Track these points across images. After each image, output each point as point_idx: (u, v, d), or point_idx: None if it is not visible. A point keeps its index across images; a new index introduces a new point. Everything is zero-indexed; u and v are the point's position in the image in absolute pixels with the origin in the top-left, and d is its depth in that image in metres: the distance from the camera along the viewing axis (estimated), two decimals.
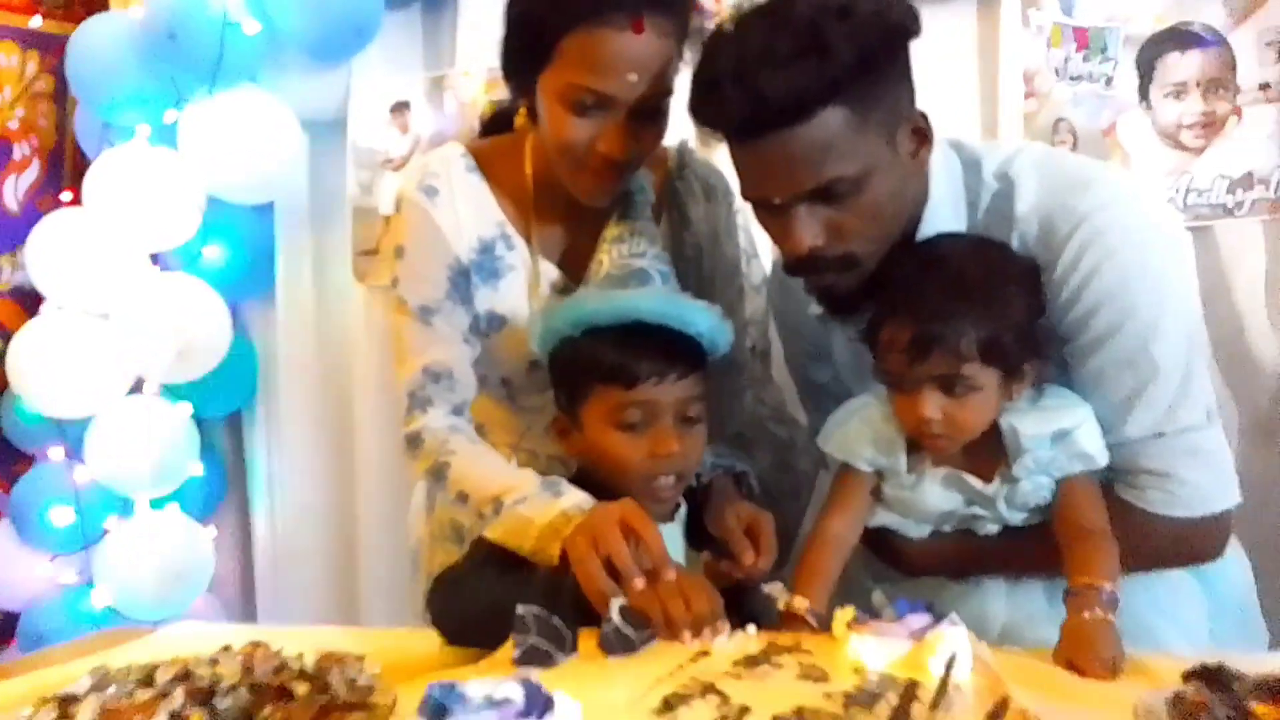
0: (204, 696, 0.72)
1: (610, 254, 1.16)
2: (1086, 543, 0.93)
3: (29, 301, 2.17)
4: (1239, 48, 1.67)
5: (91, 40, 1.89)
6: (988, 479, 1.00)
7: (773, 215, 1.03)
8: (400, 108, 1.97)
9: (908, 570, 1.06)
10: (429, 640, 1.01)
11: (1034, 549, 0.99)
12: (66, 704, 0.71)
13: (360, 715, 0.73)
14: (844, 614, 0.80)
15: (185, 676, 0.75)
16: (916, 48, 1.09)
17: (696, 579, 0.92)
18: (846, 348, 1.19)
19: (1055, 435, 0.98)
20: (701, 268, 1.24)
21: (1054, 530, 0.98)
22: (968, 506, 1.02)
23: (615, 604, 0.82)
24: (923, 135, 1.04)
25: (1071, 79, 1.70)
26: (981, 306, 0.96)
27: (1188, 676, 0.74)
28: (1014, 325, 0.97)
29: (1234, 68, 1.68)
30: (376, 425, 1.98)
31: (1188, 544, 1.04)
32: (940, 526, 1.05)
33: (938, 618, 0.73)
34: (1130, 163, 1.71)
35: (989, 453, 1.00)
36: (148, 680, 0.75)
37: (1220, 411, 1.67)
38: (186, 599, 2.08)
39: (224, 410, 2.20)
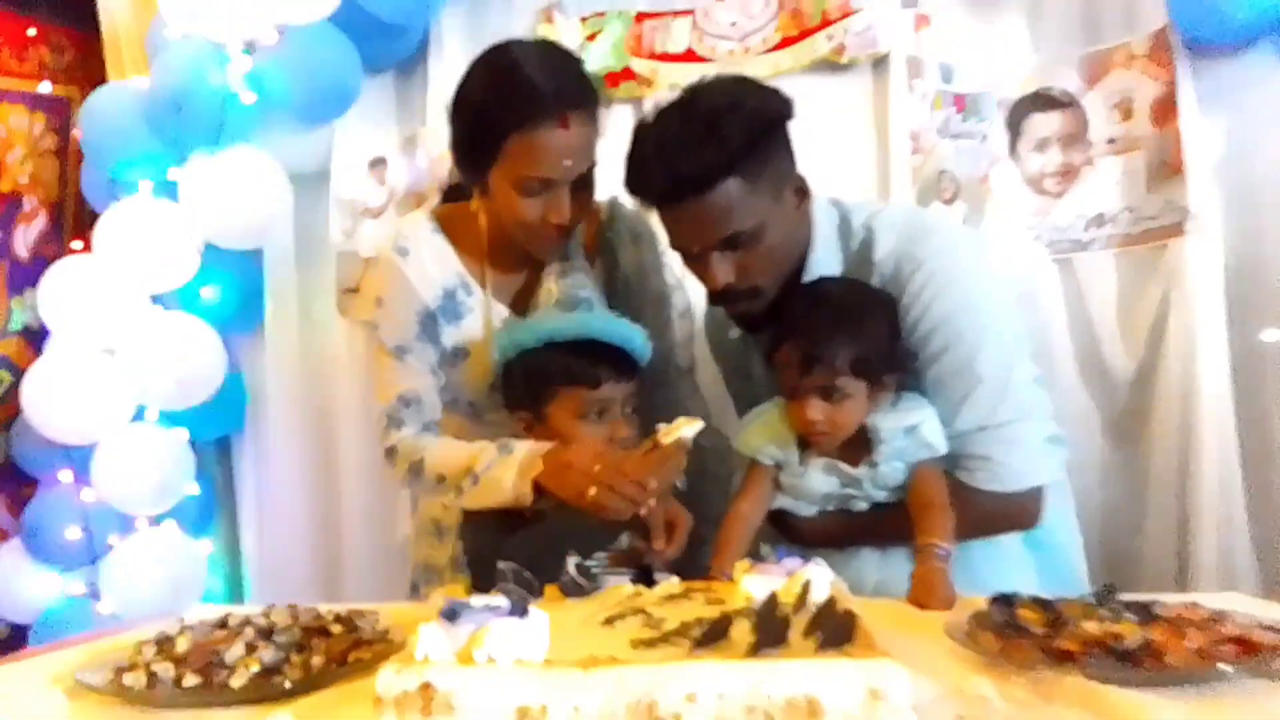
0: (266, 633, 0.97)
1: (557, 286, 1.46)
2: (929, 512, 1.22)
3: (37, 339, 2.39)
4: (1091, 109, 1.99)
5: (103, 107, 2.13)
6: (856, 465, 1.29)
7: (694, 261, 1.34)
8: (378, 162, 2.23)
9: (802, 542, 1.33)
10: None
11: (895, 521, 1.27)
12: (164, 642, 0.96)
13: (382, 646, 0.98)
14: (742, 565, 1.06)
15: (247, 623, 1.00)
16: (819, 115, 1.41)
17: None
18: (762, 366, 1.47)
19: (906, 429, 1.26)
20: (630, 300, 1.51)
21: (907, 504, 1.26)
22: (843, 488, 1.30)
23: (571, 561, 1.08)
24: (803, 192, 1.35)
25: (952, 136, 2.01)
26: (852, 334, 1.25)
27: (989, 602, 1.02)
28: (877, 347, 1.26)
29: (1087, 126, 1.99)
30: (358, 444, 2.21)
31: (1008, 513, 1.32)
32: (824, 506, 1.33)
33: (804, 561, 1.00)
34: (1002, 206, 2.02)
35: (858, 445, 1.28)
36: (222, 624, 0.99)
37: (1081, 414, 2.00)
38: (183, 608, 2.29)
39: (215, 434, 2.42)
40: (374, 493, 2.18)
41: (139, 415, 2.26)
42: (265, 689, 0.87)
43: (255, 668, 0.89)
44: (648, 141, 1.29)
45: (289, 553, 2.31)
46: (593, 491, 1.21)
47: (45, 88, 2.36)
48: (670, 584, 1.09)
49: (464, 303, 1.51)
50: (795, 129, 1.34)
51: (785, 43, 2.02)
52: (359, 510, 2.19)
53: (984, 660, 0.88)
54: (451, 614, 0.78)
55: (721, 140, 1.24)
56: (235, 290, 2.28)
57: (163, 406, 2.25)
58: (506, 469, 1.29)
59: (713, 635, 0.80)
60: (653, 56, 2.09)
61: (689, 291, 1.59)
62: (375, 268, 1.54)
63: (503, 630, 0.77)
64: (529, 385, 1.34)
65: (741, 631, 0.81)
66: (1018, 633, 0.91)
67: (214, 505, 2.44)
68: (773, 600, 0.87)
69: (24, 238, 2.38)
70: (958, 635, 0.94)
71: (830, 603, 0.83)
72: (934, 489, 1.25)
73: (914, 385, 1.31)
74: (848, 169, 1.98)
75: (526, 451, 1.30)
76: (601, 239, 1.55)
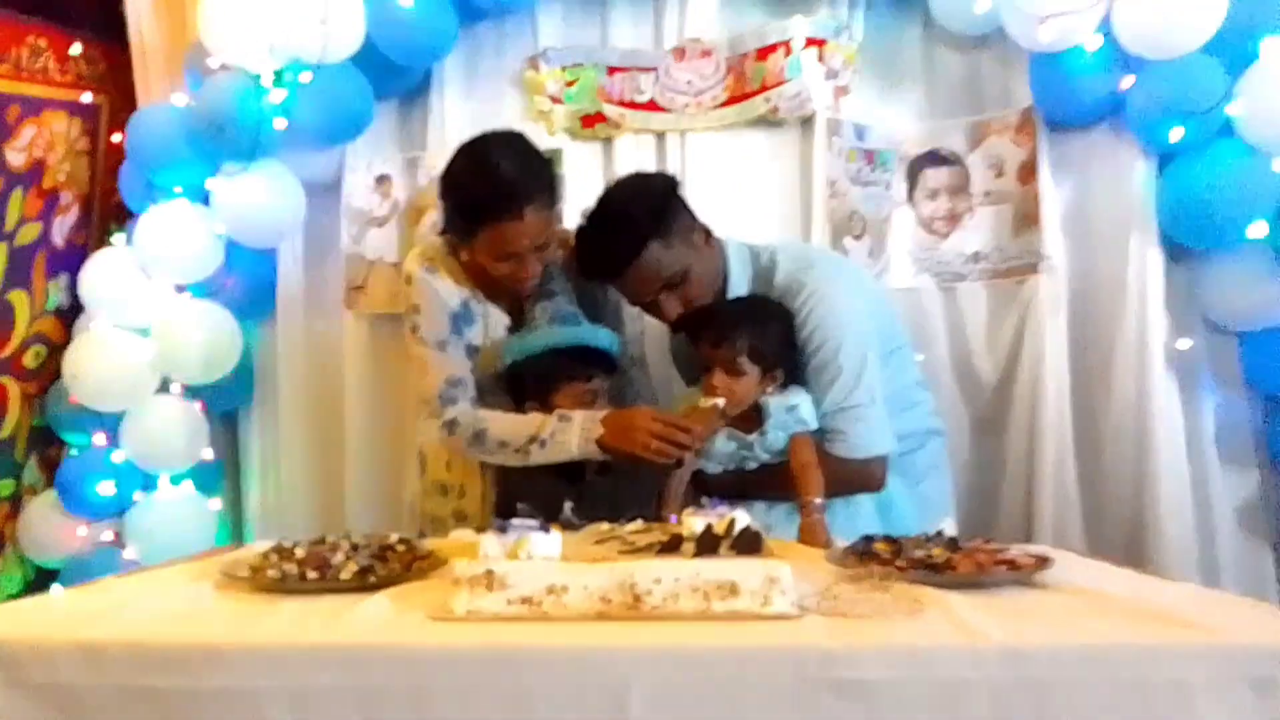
0: (355, 548, 1.37)
1: (552, 305, 1.90)
2: (806, 472, 1.70)
3: (68, 318, 2.71)
4: (972, 167, 2.44)
5: (148, 121, 2.46)
6: (750, 434, 1.76)
7: (648, 307, 1.86)
8: (383, 179, 2.60)
9: (712, 494, 1.77)
10: None
11: (777, 479, 1.76)
12: (283, 551, 1.35)
13: (432, 560, 1.39)
14: (688, 513, 1.50)
15: (340, 541, 1.40)
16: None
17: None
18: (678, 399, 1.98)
19: (788, 408, 1.75)
20: (594, 308, 1.97)
21: (789, 466, 1.74)
22: (739, 450, 1.79)
23: (567, 506, 1.52)
24: (708, 234, 1.87)
25: (862, 184, 2.46)
26: (750, 328, 1.75)
27: (859, 540, 1.47)
28: (770, 342, 1.76)
29: (969, 180, 2.44)
30: (360, 417, 2.58)
31: (859, 476, 1.81)
32: (727, 465, 1.81)
33: (731, 509, 1.45)
34: (901, 242, 2.48)
35: (751, 420, 1.77)
36: (320, 541, 1.39)
37: (955, 411, 2.48)
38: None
39: (227, 407, 2.76)
40: (372, 457, 2.55)
41: (164, 388, 2.60)
42: (364, 580, 1.27)
43: (355, 567, 1.29)
44: (585, 240, 1.85)
45: (292, 508, 2.66)
46: (656, 445, 1.65)
47: (86, 98, 2.67)
48: (636, 524, 1.53)
49: (474, 310, 1.93)
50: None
51: (731, 101, 2.43)
52: (359, 471, 2.55)
53: (847, 573, 1.33)
54: (503, 529, 1.21)
55: (632, 224, 1.76)
56: (252, 282, 2.63)
57: (185, 381, 2.60)
58: (570, 434, 1.73)
59: (669, 547, 1.24)
60: (621, 104, 2.48)
61: None
62: (409, 284, 1.95)
63: (536, 539, 1.20)
64: (539, 382, 1.77)
65: (688, 546, 1.25)
66: (872, 556, 1.37)
67: (223, 470, 2.79)
68: (709, 529, 1.31)
69: (60, 228, 2.70)
70: (832, 558, 1.39)
71: (746, 530, 1.27)
72: (807, 453, 1.74)
73: (801, 378, 1.80)
74: (778, 207, 2.42)
75: (584, 418, 1.74)
76: (573, 263, 1.98)
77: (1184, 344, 2.26)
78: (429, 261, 1.94)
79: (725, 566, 1.15)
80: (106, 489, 2.54)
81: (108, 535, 2.58)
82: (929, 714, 0.98)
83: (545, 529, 1.21)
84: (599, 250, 1.84)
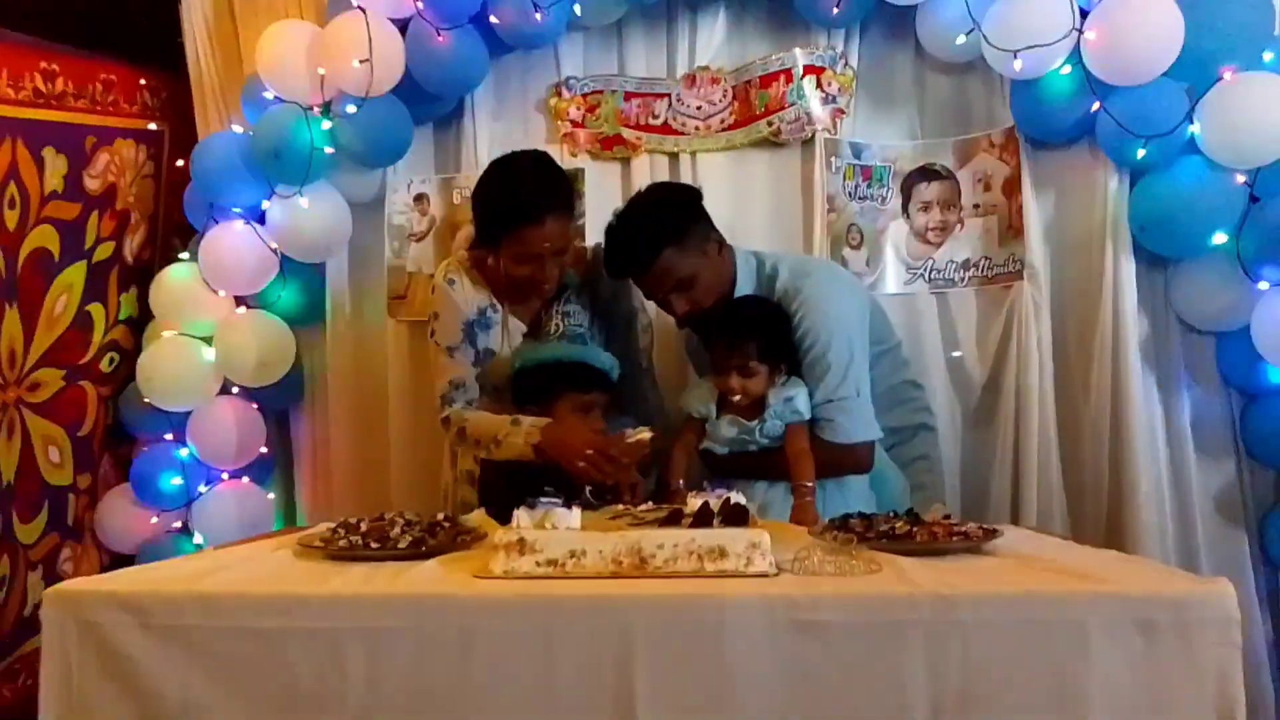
0: (409, 524, 1.61)
1: (563, 320, 2.16)
2: (799, 459, 1.93)
3: (137, 327, 2.98)
4: (962, 181, 2.62)
5: (211, 149, 2.72)
6: (751, 421, 2.00)
7: (661, 304, 2.10)
8: (420, 198, 2.85)
9: (718, 474, 2.02)
10: None
11: (775, 461, 1.99)
12: (348, 526, 1.60)
13: (476, 534, 1.63)
14: (692, 495, 1.73)
15: (397, 517, 1.64)
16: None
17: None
18: (687, 391, 2.20)
19: (785, 400, 1.98)
20: (607, 320, 2.22)
21: (784, 451, 1.97)
22: (740, 435, 2.01)
23: (588, 488, 1.76)
24: (721, 244, 2.10)
25: (859, 199, 2.66)
26: (761, 333, 1.98)
27: (839, 516, 1.69)
28: (776, 343, 1.99)
29: (959, 193, 2.63)
30: (402, 416, 2.81)
31: (848, 459, 2.04)
32: (730, 448, 2.03)
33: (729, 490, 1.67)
34: (896, 252, 2.69)
35: (752, 409, 2.00)
36: (380, 519, 1.64)
37: (948, 407, 2.68)
38: None
39: (279, 407, 3.01)
40: (414, 451, 2.77)
41: (225, 389, 2.87)
42: (419, 549, 1.52)
43: (409, 539, 1.53)
44: (614, 242, 2.09)
45: (339, 499, 2.89)
46: (582, 464, 1.88)
47: (151, 126, 2.95)
48: (649, 505, 1.76)
49: (491, 319, 2.19)
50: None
51: (737, 124, 2.65)
52: (401, 464, 2.78)
53: (825, 544, 1.55)
54: (532, 505, 1.44)
55: (653, 228, 2.01)
56: (303, 293, 2.89)
57: (242, 383, 2.86)
58: (516, 436, 1.97)
59: (669, 520, 1.48)
60: (638, 127, 2.70)
61: (649, 313, 2.31)
62: (432, 294, 2.21)
63: (559, 513, 1.43)
64: (540, 390, 2.02)
65: (686, 520, 1.48)
66: (846, 529, 1.59)
67: (275, 463, 3.04)
68: (705, 507, 1.53)
69: (130, 246, 2.97)
70: (813, 532, 1.62)
71: (734, 506, 1.49)
72: (801, 441, 1.97)
73: (797, 372, 2.03)
74: (781, 221, 2.64)
75: (530, 424, 1.98)
76: (588, 277, 2.22)
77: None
78: (452, 274, 2.20)
79: (716, 535, 1.38)
80: (175, 482, 2.82)
81: (176, 524, 2.85)
82: (874, 648, 1.21)
83: (568, 505, 1.45)
84: (621, 250, 2.08)
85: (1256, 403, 2.42)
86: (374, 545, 1.51)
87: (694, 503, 1.60)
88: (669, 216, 2.06)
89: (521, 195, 2.04)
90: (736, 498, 1.59)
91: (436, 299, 2.21)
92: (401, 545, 1.51)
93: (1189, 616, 1.18)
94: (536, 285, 2.12)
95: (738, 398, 1.97)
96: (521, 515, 1.42)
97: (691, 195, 2.15)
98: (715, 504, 1.56)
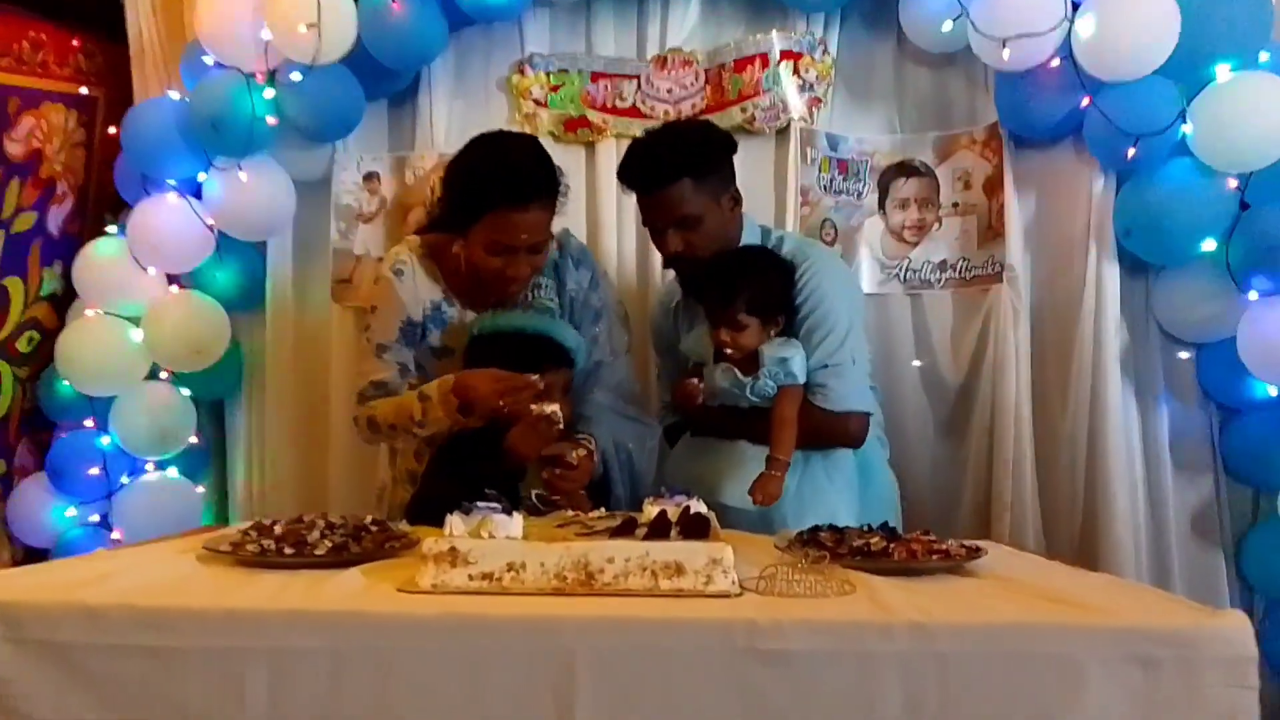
0: (331, 527, 1.45)
1: (532, 292, 1.99)
2: (781, 429, 1.85)
3: (61, 305, 2.78)
4: (941, 178, 2.53)
5: (145, 116, 2.53)
6: (745, 377, 1.90)
7: (657, 234, 2.01)
8: (371, 176, 2.68)
9: (703, 431, 1.99)
10: None
11: (760, 423, 1.89)
12: (262, 528, 1.43)
13: (406, 540, 1.47)
14: (648, 501, 1.58)
15: (317, 520, 1.48)
16: (737, 169, 2.09)
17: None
18: (687, 335, 2.11)
19: (780, 360, 1.88)
20: (575, 311, 2.03)
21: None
22: (732, 388, 1.92)
23: (533, 493, 1.60)
24: (737, 201, 2.03)
25: (835, 193, 2.54)
26: (750, 285, 1.89)
27: (808, 530, 1.55)
28: (769, 296, 1.90)
29: (938, 191, 2.53)
30: (342, 408, 2.64)
31: (839, 427, 1.97)
32: (722, 400, 1.94)
33: (689, 498, 1.53)
34: (872, 250, 2.57)
35: (749, 363, 1.91)
36: (298, 520, 1.48)
37: (919, 414, 2.57)
38: None
39: (213, 396, 2.83)
40: (355, 447, 2.59)
41: (153, 374, 2.68)
42: (339, 557, 1.36)
43: (329, 544, 1.37)
44: (636, 150, 2.02)
45: (276, 495, 2.72)
46: (502, 401, 1.72)
47: (85, 91, 2.75)
48: (602, 512, 1.61)
49: (448, 313, 2.00)
50: None
51: (709, 110, 2.51)
52: (342, 460, 2.63)
53: (793, 561, 1.41)
54: (467, 510, 1.29)
55: (681, 152, 1.95)
56: (242, 275, 2.70)
57: (173, 368, 2.67)
58: (435, 409, 1.80)
59: (622, 530, 1.33)
60: (604, 110, 2.56)
61: (625, 304, 2.20)
62: (376, 282, 2.04)
63: (498, 520, 1.28)
64: (495, 361, 1.83)
65: (640, 531, 1.33)
66: (815, 544, 1.45)
67: (209, 455, 2.86)
68: (662, 515, 1.39)
69: (55, 218, 2.77)
70: (780, 544, 1.48)
71: (695, 515, 1.35)
72: (789, 409, 1.88)
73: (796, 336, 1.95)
74: (752, 213, 2.48)
75: (439, 395, 1.80)
76: (556, 263, 2.05)
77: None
78: (401, 262, 2.00)
79: (673, 548, 1.24)
80: (94, 472, 2.62)
81: (94, 517, 2.65)
82: (843, 681, 1.07)
83: (509, 511, 1.30)
84: (641, 162, 2.00)
85: (1238, 418, 2.34)
86: (288, 552, 1.35)
87: (650, 510, 1.46)
88: (701, 149, 2.00)
89: (511, 172, 1.85)
90: (697, 506, 1.45)
91: (379, 291, 2.02)
92: (319, 552, 1.35)
93: (1197, 654, 1.05)
94: (504, 282, 1.92)
95: (729, 351, 1.91)
96: (455, 522, 1.27)
97: (728, 144, 2.08)
98: (674, 512, 1.41)
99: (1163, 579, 2.32)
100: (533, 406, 1.72)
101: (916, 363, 2.54)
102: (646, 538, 1.29)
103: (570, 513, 1.60)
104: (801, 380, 1.91)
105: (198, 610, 1.15)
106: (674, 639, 1.11)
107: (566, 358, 1.88)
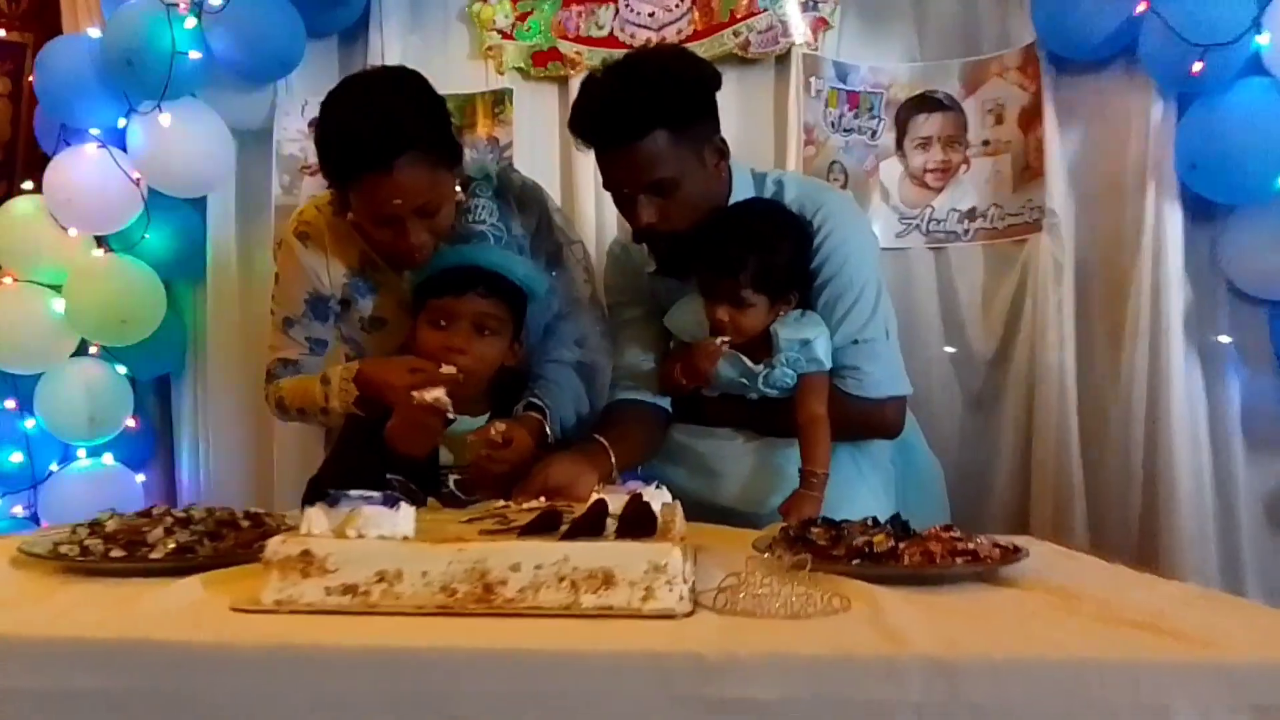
0: (184, 523, 1.15)
1: (464, 217, 1.65)
2: (813, 431, 1.48)
3: None
4: (969, 112, 2.23)
5: (57, 57, 2.25)
6: (757, 363, 1.54)
7: (624, 201, 1.58)
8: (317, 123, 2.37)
9: (706, 421, 1.63)
10: None
11: (777, 417, 1.56)
12: (95, 525, 1.13)
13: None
14: (597, 491, 1.26)
15: (167, 514, 1.18)
16: (724, 103, 1.66)
17: None
18: (663, 293, 1.71)
19: (801, 342, 1.52)
20: (527, 254, 1.70)
21: (794, 413, 1.53)
22: (740, 377, 1.57)
23: (451, 479, 1.28)
24: (722, 153, 1.60)
25: (844, 131, 2.23)
26: (757, 254, 1.51)
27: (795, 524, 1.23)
28: (781, 265, 1.52)
29: (965, 128, 2.24)
30: None
31: (874, 417, 1.61)
32: (726, 390, 1.60)
33: (647, 483, 1.20)
34: (888, 198, 2.25)
35: (760, 346, 1.55)
36: (146, 514, 1.17)
37: (946, 387, 2.25)
38: None
39: (154, 374, 2.56)
40: (306, 430, 2.33)
41: (82, 350, 2.41)
42: (179, 563, 1.05)
43: (171, 545, 1.07)
44: (593, 92, 1.55)
45: (224, 482, 2.46)
46: (409, 393, 1.43)
47: (6, 34, 2.47)
48: (535, 501, 1.29)
49: (373, 278, 1.69)
50: None
51: (697, 35, 2.22)
52: (291, 444, 2.36)
53: (763, 561, 1.09)
54: (333, 500, 0.98)
55: (654, 97, 1.49)
56: (179, 238, 2.42)
57: (102, 342, 2.40)
58: (336, 397, 1.56)
59: (538, 526, 1.00)
60: (578, 40, 2.28)
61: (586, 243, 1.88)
62: (278, 247, 1.75)
63: (371, 514, 0.96)
64: (416, 302, 1.55)
65: (565, 526, 1.01)
66: (805, 544, 1.13)
67: (153, 441, 2.59)
68: (598, 505, 1.06)
69: None
70: (758, 544, 1.15)
71: (639, 506, 1.02)
72: (817, 402, 1.52)
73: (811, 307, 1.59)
74: (747, 155, 2.13)
75: (340, 382, 1.56)
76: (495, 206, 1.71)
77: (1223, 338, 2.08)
78: (308, 226, 1.68)
79: (601, 550, 0.92)
80: (17, 458, 2.36)
81: (19, 509, 2.39)
82: None
83: (395, 500, 0.98)
84: (601, 113, 1.53)
85: None
86: (115, 555, 1.05)
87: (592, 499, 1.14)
88: (677, 91, 1.52)
89: (362, 132, 1.48)
90: (653, 494, 1.13)
91: (281, 257, 1.72)
92: (155, 555, 1.05)
93: None
94: (404, 255, 1.60)
95: (726, 337, 1.54)
96: (314, 516, 0.95)
97: (712, 80, 1.60)
98: (616, 504, 1.09)
99: (1234, 577, 2.08)
100: (413, 393, 1.41)
101: (949, 349, 2.23)
102: (569, 535, 0.96)
103: (499, 503, 1.28)
104: (828, 366, 1.55)
105: None
106: (595, 682, 0.79)
107: (516, 294, 1.55)
